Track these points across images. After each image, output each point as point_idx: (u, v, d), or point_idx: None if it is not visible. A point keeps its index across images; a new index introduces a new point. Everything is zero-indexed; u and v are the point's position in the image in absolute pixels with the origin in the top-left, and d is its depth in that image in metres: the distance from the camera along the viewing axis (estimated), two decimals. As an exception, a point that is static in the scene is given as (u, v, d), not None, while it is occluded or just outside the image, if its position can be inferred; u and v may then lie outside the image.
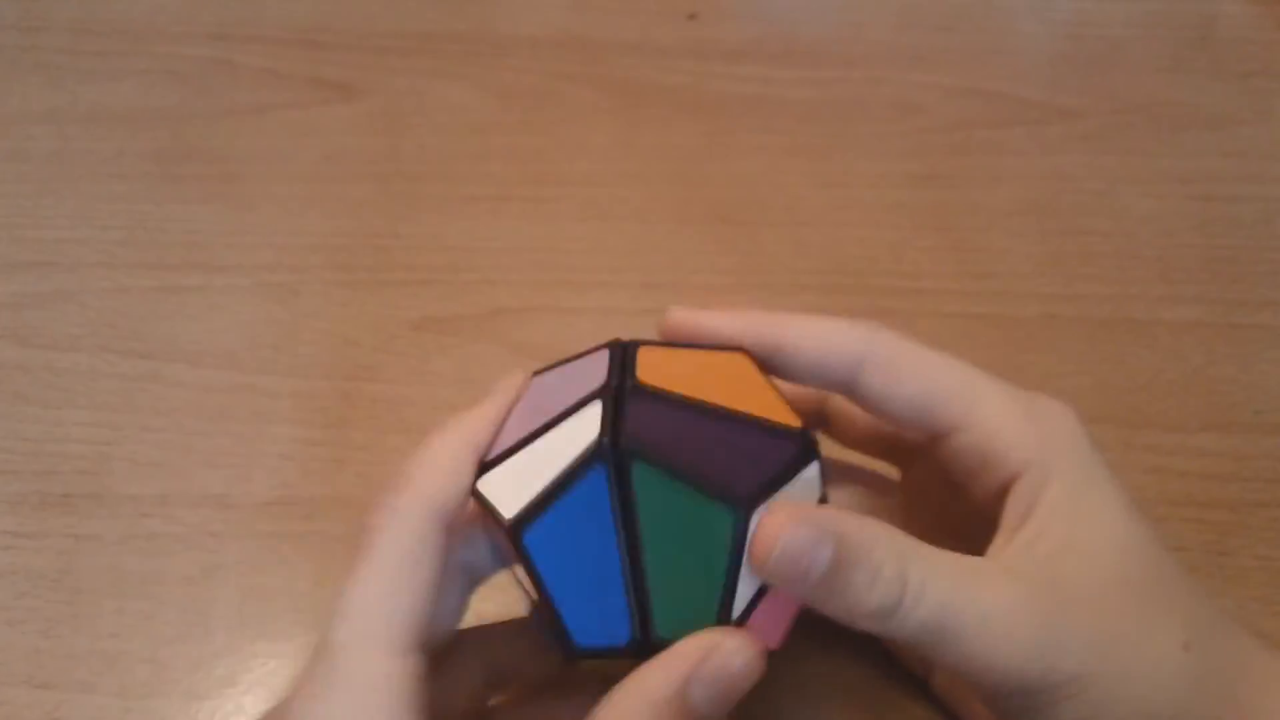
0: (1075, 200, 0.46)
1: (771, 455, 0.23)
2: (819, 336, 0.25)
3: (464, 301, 0.42)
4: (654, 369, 0.24)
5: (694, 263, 0.43)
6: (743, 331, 0.25)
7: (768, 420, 0.23)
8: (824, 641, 0.31)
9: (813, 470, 0.23)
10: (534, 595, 0.23)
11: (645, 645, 0.23)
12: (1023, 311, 0.42)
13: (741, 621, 0.23)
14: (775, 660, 0.23)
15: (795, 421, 0.23)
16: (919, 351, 0.25)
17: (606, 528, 0.23)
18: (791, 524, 0.21)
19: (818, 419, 0.30)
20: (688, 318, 0.26)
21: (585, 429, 0.23)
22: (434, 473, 0.23)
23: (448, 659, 0.26)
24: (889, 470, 0.31)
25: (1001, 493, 0.24)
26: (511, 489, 0.23)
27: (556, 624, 0.23)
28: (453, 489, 0.23)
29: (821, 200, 0.46)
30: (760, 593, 0.23)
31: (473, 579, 0.26)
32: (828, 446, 0.28)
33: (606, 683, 0.22)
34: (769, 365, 0.26)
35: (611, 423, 0.23)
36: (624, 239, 0.44)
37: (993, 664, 0.21)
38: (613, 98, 0.50)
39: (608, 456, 0.22)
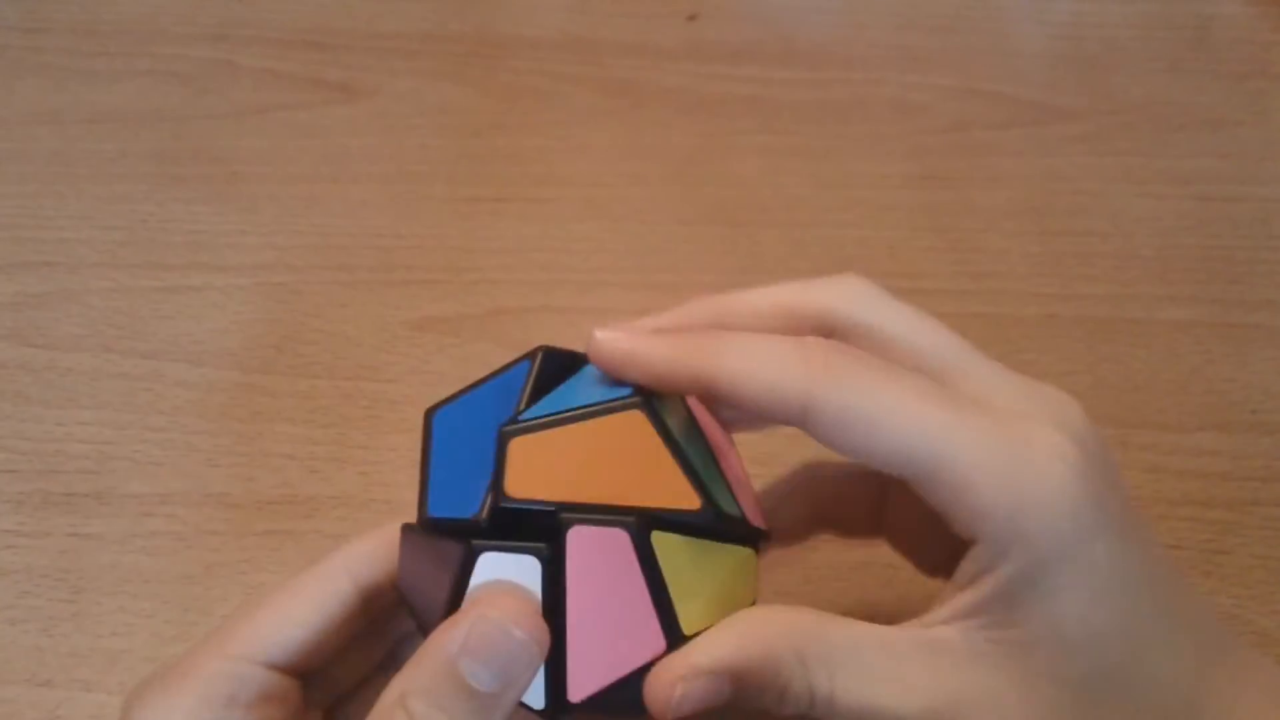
0: (1073, 200, 0.46)
1: None
2: (757, 378, 0.22)
3: (464, 301, 0.42)
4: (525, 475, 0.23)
5: (694, 263, 0.44)
6: (675, 369, 0.22)
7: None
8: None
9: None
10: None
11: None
12: (1021, 311, 0.42)
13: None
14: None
15: (693, 502, 0.22)
16: (874, 387, 0.21)
17: (503, 416, 0.23)
18: (682, 684, 0.21)
19: None
20: (616, 350, 0.23)
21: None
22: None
23: None
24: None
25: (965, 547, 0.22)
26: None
27: (422, 502, 0.23)
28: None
29: (821, 200, 0.46)
30: None
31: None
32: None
33: None
34: (708, 402, 0.25)
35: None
36: (624, 239, 0.44)
37: None
38: (613, 98, 0.51)
39: (536, 360, 0.24)
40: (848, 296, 0.24)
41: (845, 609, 0.34)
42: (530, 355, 0.24)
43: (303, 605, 0.24)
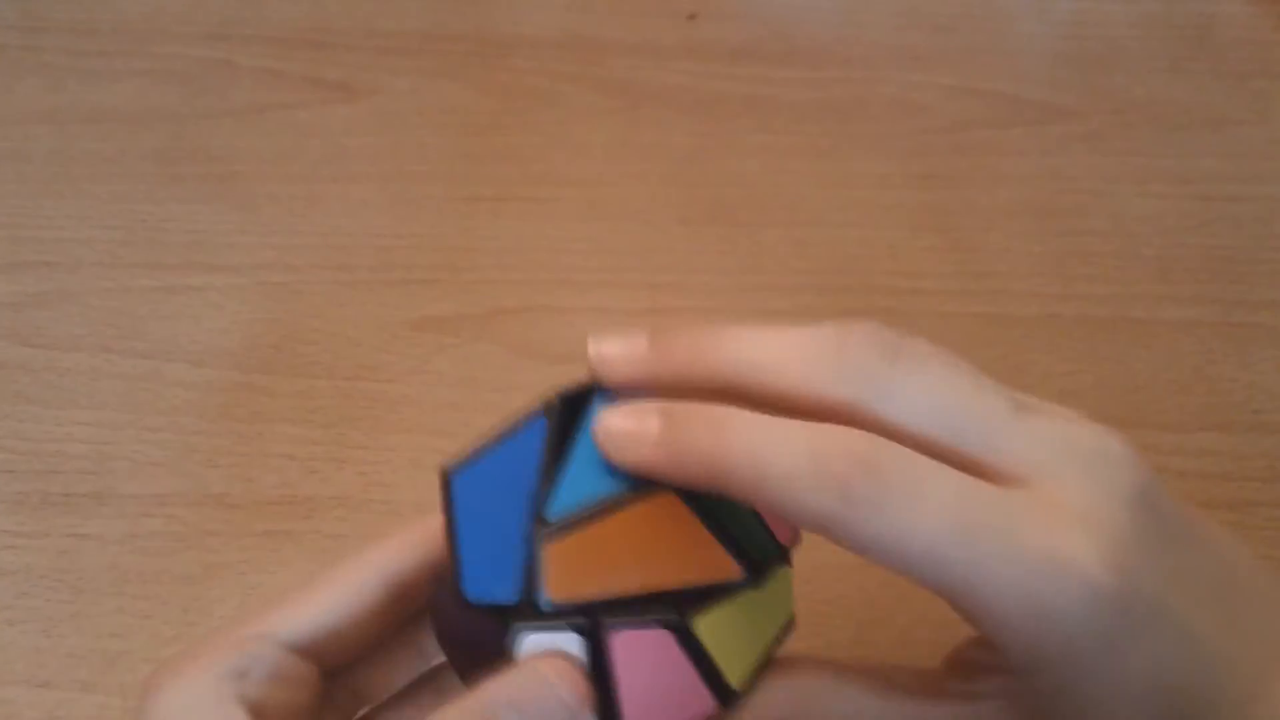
0: (1075, 200, 0.46)
1: None
2: (770, 488, 0.20)
3: (464, 301, 0.42)
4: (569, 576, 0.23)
5: (694, 263, 0.44)
6: (681, 472, 0.21)
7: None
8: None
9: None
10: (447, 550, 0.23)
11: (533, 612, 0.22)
12: (1022, 311, 0.42)
13: None
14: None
15: (734, 573, 0.23)
16: (897, 503, 0.20)
17: (528, 484, 0.22)
18: None
19: None
20: (618, 451, 0.22)
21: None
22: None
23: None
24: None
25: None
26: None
27: (455, 573, 0.23)
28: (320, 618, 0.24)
29: (821, 200, 0.46)
30: None
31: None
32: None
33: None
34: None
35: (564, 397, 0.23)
36: (624, 239, 0.44)
37: None
38: (613, 98, 0.50)
39: (553, 412, 0.23)
40: (860, 374, 0.21)
41: (846, 608, 0.34)
42: (545, 410, 0.23)
43: (325, 592, 0.24)
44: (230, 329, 0.41)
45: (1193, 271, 0.43)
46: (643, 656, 0.22)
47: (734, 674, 0.22)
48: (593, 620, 0.22)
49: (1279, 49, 0.53)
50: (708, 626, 0.22)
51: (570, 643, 0.22)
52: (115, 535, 0.35)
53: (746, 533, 0.23)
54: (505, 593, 0.22)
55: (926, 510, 0.20)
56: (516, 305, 0.42)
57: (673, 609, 0.22)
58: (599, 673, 0.22)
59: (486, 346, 0.41)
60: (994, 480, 0.21)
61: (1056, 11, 0.55)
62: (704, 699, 0.22)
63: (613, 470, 0.22)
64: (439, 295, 0.42)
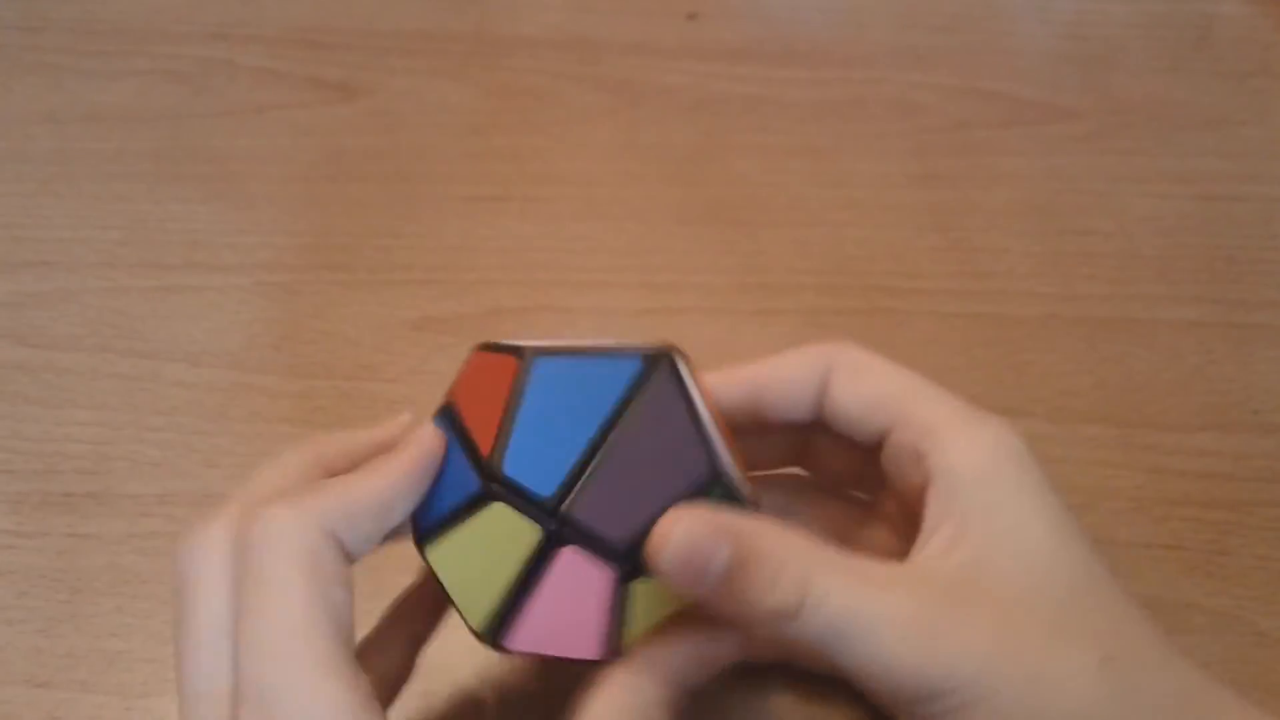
0: (1075, 200, 0.46)
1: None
2: (790, 362, 0.27)
3: (464, 301, 0.42)
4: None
5: (694, 263, 0.43)
6: (727, 391, 0.27)
7: None
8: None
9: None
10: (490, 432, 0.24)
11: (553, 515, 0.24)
12: (1022, 311, 0.42)
13: None
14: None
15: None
16: (883, 363, 0.27)
17: (602, 406, 0.24)
18: (686, 519, 0.22)
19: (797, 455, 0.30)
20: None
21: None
22: (325, 495, 0.23)
23: (370, 644, 0.27)
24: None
25: (925, 491, 0.25)
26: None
27: (500, 449, 0.24)
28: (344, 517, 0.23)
29: (821, 200, 0.46)
30: None
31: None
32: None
33: None
34: (757, 408, 0.28)
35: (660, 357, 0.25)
36: (624, 238, 0.44)
37: (886, 670, 0.21)
38: (613, 98, 0.50)
39: (651, 362, 0.24)
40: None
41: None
42: (644, 357, 0.24)
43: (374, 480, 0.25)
44: (229, 329, 0.41)
45: (1193, 271, 0.43)
46: (575, 580, 0.24)
47: (629, 636, 0.24)
48: (561, 531, 0.24)
49: (1279, 49, 0.53)
50: (642, 592, 0.24)
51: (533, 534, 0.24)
52: (114, 535, 0.35)
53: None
54: (541, 485, 0.23)
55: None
56: (515, 305, 0.42)
57: (629, 563, 0.23)
58: (533, 571, 0.24)
59: (486, 346, 0.41)
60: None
61: (1057, 11, 0.55)
62: (594, 645, 0.24)
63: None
64: (439, 295, 0.42)
